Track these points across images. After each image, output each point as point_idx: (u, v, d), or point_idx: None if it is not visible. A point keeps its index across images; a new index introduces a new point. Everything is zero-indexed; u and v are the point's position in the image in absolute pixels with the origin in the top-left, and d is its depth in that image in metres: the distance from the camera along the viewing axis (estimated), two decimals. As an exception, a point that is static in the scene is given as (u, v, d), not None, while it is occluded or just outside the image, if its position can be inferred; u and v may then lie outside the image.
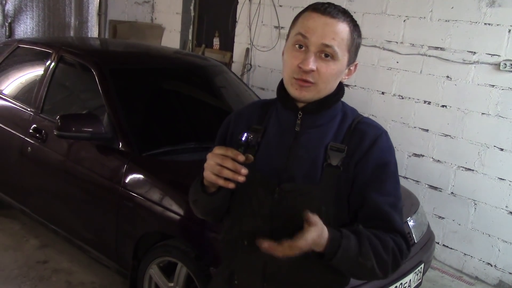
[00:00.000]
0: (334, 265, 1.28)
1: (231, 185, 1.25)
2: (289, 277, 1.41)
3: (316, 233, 1.19)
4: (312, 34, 1.29)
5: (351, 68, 1.41)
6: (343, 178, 1.35)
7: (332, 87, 1.37)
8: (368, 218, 1.34)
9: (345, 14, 1.33)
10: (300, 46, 1.31)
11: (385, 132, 1.41)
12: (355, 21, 1.36)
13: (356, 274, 1.37)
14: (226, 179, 1.24)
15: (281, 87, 1.41)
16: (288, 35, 1.38)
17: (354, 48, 1.36)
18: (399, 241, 1.33)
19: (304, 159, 1.37)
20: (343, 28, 1.30)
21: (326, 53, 1.30)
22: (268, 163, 1.38)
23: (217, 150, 1.26)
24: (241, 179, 1.23)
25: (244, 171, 1.23)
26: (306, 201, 1.33)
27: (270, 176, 1.37)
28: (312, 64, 1.29)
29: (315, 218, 1.20)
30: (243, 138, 1.26)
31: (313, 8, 1.32)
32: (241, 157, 1.23)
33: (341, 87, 1.42)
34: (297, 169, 1.36)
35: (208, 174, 1.27)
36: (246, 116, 1.50)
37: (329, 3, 1.33)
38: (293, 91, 1.34)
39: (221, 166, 1.23)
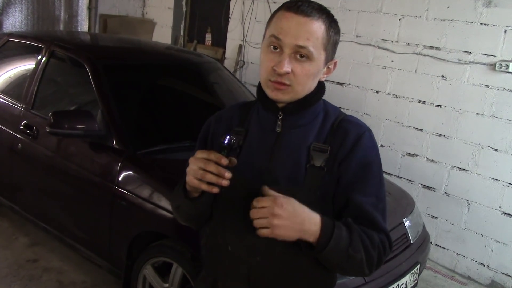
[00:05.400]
0: (324, 257, 1.25)
1: (215, 190, 1.22)
2: (274, 283, 1.38)
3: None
4: (285, 35, 1.25)
5: (329, 66, 1.37)
6: (327, 179, 1.33)
7: (310, 87, 1.34)
8: (353, 217, 1.32)
9: (320, 11, 1.28)
10: (275, 48, 1.28)
11: (369, 130, 1.39)
12: (332, 17, 1.32)
13: (344, 268, 1.32)
14: (210, 183, 1.22)
15: (260, 87, 1.39)
16: (264, 33, 1.35)
17: (331, 46, 1.33)
18: (383, 238, 1.33)
19: (287, 160, 1.34)
20: (317, 26, 1.27)
21: (301, 54, 1.27)
22: (251, 166, 1.35)
23: (199, 154, 1.23)
24: (225, 183, 1.21)
25: (228, 174, 1.21)
26: None
27: (253, 179, 1.34)
28: (286, 67, 1.26)
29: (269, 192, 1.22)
30: (226, 141, 1.23)
31: (286, 6, 1.28)
32: (224, 161, 1.21)
33: (321, 86, 1.39)
34: (280, 171, 1.34)
35: (191, 179, 1.24)
36: (226, 119, 1.47)
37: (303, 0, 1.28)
38: (270, 93, 1.32)
39: (204, 170, 1.21)
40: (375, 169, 1.36)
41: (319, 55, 1.29)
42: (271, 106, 1.36)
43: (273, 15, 1.33)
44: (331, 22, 1.31)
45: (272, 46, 1.28)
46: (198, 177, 1.22)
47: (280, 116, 1.36)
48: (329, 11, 1.32)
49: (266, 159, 1.35)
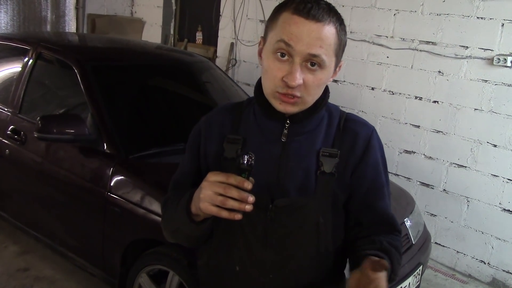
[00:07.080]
0: None
1: (238, 216, 1.09)
2: None
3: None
4: (296, 42, 1.14)
5: (336, 69, 1.28)
6: (339, 185, 1.27)
7: (319, 95, 1.26)
8: (374, 223, 1.31)
9: (330, 13, 1.17)
10: (283, 55, 1.17)
11: (374, 129, 1.34)
12: (341, 18, 1.21)
13: None
14: (231, 209, 1.09)
15: (260, 91, 1.28)
16: (266, 34, 1.23)
17: (341, 50, 1.24)
18: (401, 240, 1.34)
19: (296, 169, 1.26)
20: (329, 32, 1.16)
21: (313, 62, 1.16)
22: (257, 179, 1.22)
23: (214, 177, 1.10)
24: (248, 208, 1.08)
25: (251, 199, 1.08)
26: (303, 215, 1.24)
27: (261, 193, 1.23)
28: (299, 79, 1.16)
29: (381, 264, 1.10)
30: (245, 162, 1.10)
31: (294, 9, 1.16)
32: (247, 184, 1.08)
33: (326, 89, 1.31)
34: (290, 181, 1.26)
35: (207, 207, 1.11)
36: (217, 124, 1.35)
37: (311, 0, 1.17)
38: (277, 105, 1.22)
39: (223, 196, 1.08)
40: (384, 169, 1.35)
41: (331, 62, 1.20)
42: (278, 115, 1.26)
43: (277, 15, 1.20)
44: (341, 24, 1.21)
45: (280, 53, 1.17)
46: (217, 203, 1.09)
47: (287, 124, 1.27)
48: (337, 10, 1.21)
49: (273, 171, 1.27)
